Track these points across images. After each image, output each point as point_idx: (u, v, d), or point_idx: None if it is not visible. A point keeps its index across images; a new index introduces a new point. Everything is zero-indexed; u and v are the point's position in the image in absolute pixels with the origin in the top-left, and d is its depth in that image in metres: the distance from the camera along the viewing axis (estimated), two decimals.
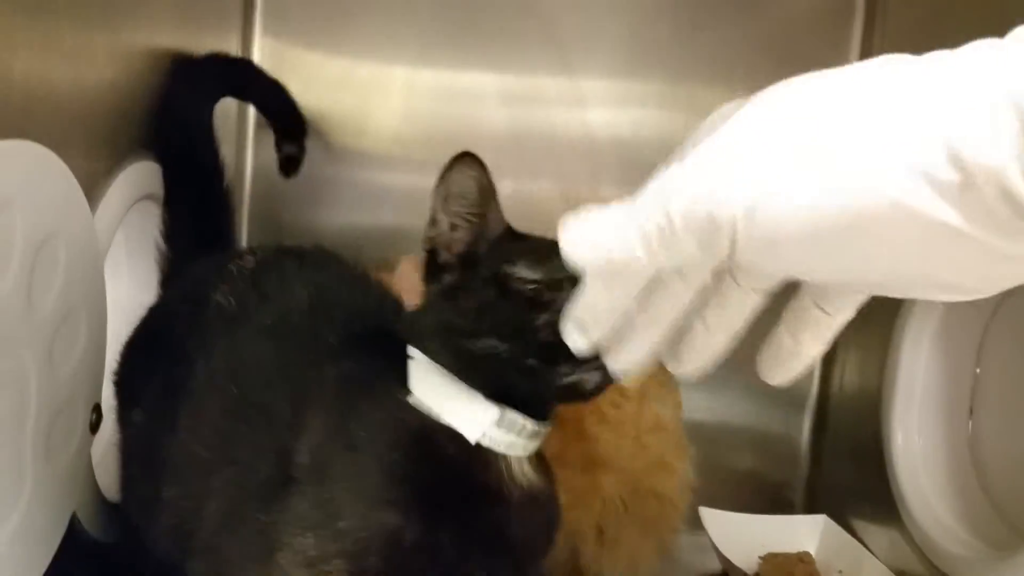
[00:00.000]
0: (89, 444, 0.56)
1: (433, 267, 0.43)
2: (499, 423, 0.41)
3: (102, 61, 0.58)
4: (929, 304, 0.70)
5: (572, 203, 0.88)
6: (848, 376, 0.85)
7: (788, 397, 0.88)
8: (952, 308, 0.69)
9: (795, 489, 0.89)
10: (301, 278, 0.51)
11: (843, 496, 0.82)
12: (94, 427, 0.56)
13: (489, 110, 0.88)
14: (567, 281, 0.37)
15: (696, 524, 0.76)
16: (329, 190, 0.87)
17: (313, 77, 0.86)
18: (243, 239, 0.87)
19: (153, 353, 0.54)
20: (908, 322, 0.71)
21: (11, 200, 0.43)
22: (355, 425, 0.42)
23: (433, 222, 0.43)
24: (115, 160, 0.60)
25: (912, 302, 0.71)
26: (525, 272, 0.40)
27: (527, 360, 0.38)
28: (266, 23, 0.86)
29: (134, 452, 0.54)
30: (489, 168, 0.87)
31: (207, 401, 0.48)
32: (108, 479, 0.59)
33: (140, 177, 0.63)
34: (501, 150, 0.87)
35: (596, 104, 0.88)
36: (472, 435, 0.41)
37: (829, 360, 0.87)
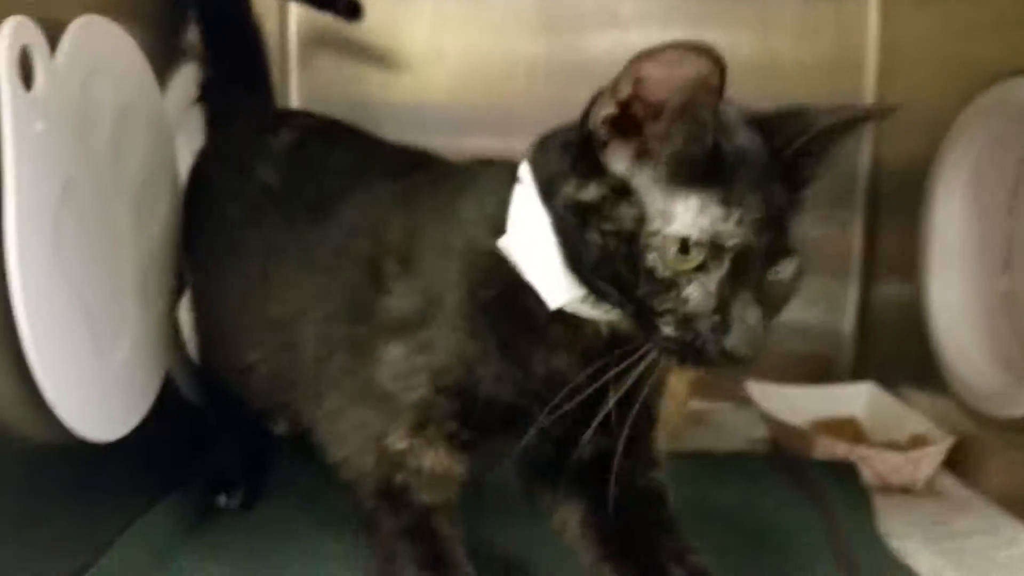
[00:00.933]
0: (176, 305, 0.63)
1: (619, 125, 0.37)
2: (582, 300, 0.40)
3: None
4: (961, 153, 0.70)
5: None
6: (888, 245, 0.86)
7: (832, 269, 0.89)
8: (984, 157, 0.70)
9: (841, 361, 0.91)
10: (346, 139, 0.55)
11: (888, 364, 0.84)
12: (178, 292, 0.63)
13: (524, 39, 0.88)
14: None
15: (743, 400, 0.79)
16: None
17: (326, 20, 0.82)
18: None
19: (208, 218, 0.59)
20: (940, 172, 0.72)
21: (97, 69, 0.50)
22: (440, 257, 0.42)
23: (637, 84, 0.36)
24: (181, 54, 0.66)
25: (945, 151, 0.71)
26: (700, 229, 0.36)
27: (637, 294, 0.37)
28: None
29: (208, 317, 0.60)
30: (527, 100, 0.87)
31: (281, 260, 0.51)
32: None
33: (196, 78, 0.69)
34: (537, 80, 0.88)
35: (634, 23, 0.88)
36: (552, 303, 0.40)
37: (871, 229, 0.88)
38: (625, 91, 0.37)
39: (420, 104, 0.88)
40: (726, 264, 0.36)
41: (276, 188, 0.53)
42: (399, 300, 0.43)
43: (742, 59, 0.84)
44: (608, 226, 0.37)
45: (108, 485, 0.53)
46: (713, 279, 0.37)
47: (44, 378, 0.44)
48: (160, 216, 0.60)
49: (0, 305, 0.42)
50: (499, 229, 0.41)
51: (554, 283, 0.40)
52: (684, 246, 0.36)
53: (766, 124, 0.38)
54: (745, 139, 0.38)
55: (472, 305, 0.42)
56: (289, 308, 0.48)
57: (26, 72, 0.43)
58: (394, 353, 0.42)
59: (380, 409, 0.43)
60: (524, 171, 0.41)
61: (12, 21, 0.41)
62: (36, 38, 0.43)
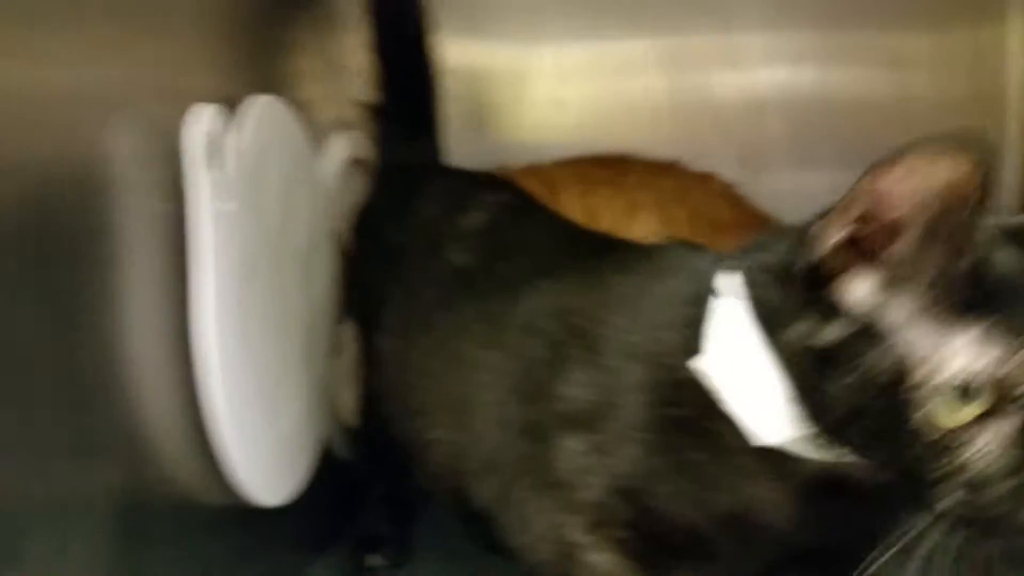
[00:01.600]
0: (336, 365, 0.64)
1: (853, 250, 0.32)
2: (805, 440, 0.34)
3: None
4: None
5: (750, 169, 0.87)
6: None
7: None
8: None
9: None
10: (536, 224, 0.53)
11: None
12: (337, 351, 0.65)
13: (646, 80, 0.87)
14: None
15: None
16: None
17: (450, 67, 0.82)
18: None
19: (389, 288, 0.57)
20: None
21: (269, 146, 0.53)
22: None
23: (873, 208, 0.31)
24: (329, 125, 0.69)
25: None
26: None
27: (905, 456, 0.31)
28: None
29: (381, 381, 0.57)
30: (652, 141, 0.86)
31: (467, 339, 0.48)
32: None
33: (350, 143, 0.72)
34: (662, 123, 0.86)
35: (755, 62, 0.86)
36: (763, 441, 0.35)
37: None
38: (858, 210, 0.31)
39: (544, 148, 0.84)
40: (1021, 409, 0.30)
41: (466, 269, 0.52)
42: (576, 389, 0.41)
43: (874, 99, 0.82)
44: (854, 378, 0.31)
45: (270, 546, 0.55)
46: (1005, 430, 0.30)
47: (228, 447, 0.46)
48: (322, 282, 0.62)
49: (186, 377, 0.44)
50: (691, 340, 0.37)
51: (767, 419, 0.34)
52: (963, 393, 0.30)
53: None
54: (1010, 253, 0.32)
55: (652, 419, 0.38)
56: (471, 387, 0.48)
57: (214, 154, 0.45)
58: (570, 447, 0.40)
59: (560, 499, 0.41)
60: (725, 283, 0.36)
61: (206, 109, 0.44)
62: (224, 122, 0.46)
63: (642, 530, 0.39)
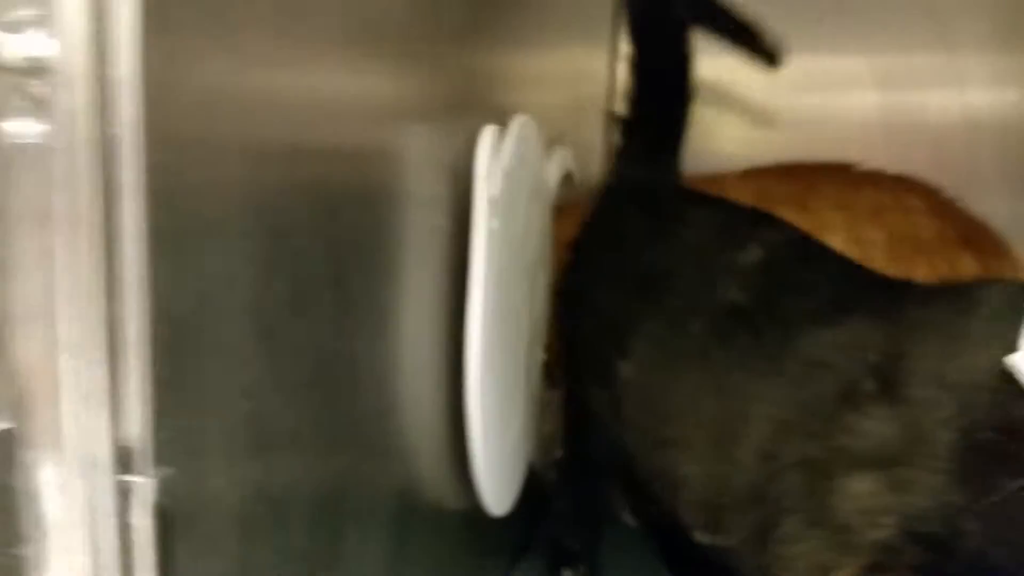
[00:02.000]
0: (541, 384, 0.66)
1: None
2: None
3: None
4: None
5: (963, 194, 0.82)
6: None
7: None
8: None
9: None
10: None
11: None
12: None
13: (858, 97, 0.84)
14: None
15: None
16: None
17: None
18: None
19: (633, 305, 0.56)
20: None
21: (522, 161, 0.54)
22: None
23: None
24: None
25: None
26: None
27: None
28: None
29: (615, 409, 0.56)
30: (863, 160, 0.84)
31: (739, 375, 0.47)
32: None
33: (566, 157, 0.73)
34: (873, 140, 0.83)
35: (977, 83, 0.82)
36: None
37: None
38: None
39: (752, 162, 0.83)
40: None
41: (741, 306, 0.50)
42: (874, 425, 0.40)
43: None
44: None
45: (485, 552, 0.57)
46: None
47: (478, 455, 0.47)
48: (540, 297, 0.63)
49: (449, 386, 0.46)
50: (1008, 368, 0.37)
51: None
52: None
53: None
54: None
55: (965, 447, 0.38)
56: (739, 422, 0.47)
57: (491, 172, 0.46)
58: (860, 487, 0.39)
59: (833, 540, 0.40)
60: None
61: (493, 129, 0.45)
62: (497, 142, 0.47)
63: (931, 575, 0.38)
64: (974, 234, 0.70)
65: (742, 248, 0.53)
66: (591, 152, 0.85)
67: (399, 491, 0.41)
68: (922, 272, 0.66)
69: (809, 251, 0.53)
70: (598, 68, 0.85)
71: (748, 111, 0.87)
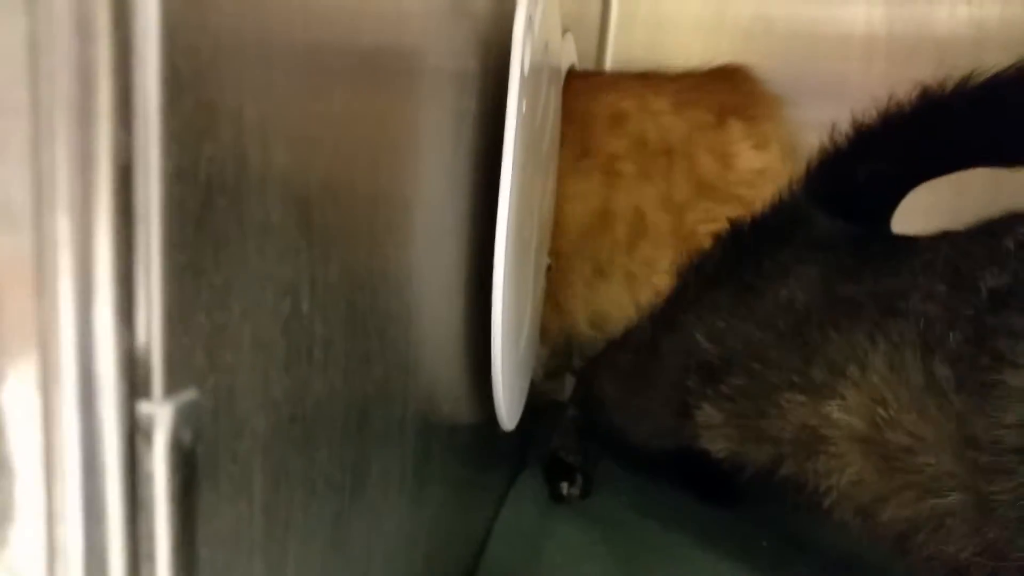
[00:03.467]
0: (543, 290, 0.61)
1: None
2: None
3: None
4: None
5: None
6: None
7: None
8: None
9: None
10: None
11: None
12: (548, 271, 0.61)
13: (862, 7, 0.80)
14: None
15: None
16: None
17: None
18: None
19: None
20: None
21: (547, 42, 0.47)
22: None
23: None
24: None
25: None
26: None
27: None
28: None
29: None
30: (864, 75, 0.76)
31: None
32: None
33: (572, 46, 0.66)
34: (876, 56, 0.79)
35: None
36: None
37: None
38: None
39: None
40: None
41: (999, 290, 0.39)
42: None
43: None
44: None
45: (495, 461, 0.54)
46: None
47: (497, 368, 0.42)
48: (549, 194, 0.57)
49: (474, 295, 0.41)
50: None
51: None
52: None
53: None
54: None
55: None
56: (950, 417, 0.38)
57: (524, 48, 0.40)
58: None
59: None
60: None
61: None
62: (534, 10, 0.40)
63: None
64: (742, 105, 0.66)
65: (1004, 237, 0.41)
66: (587, 51, 0.80)
67: (422, 409, 0.36)
68: (666, 172, 0.63)
69: None
70: None
71: (743, 18, 0.81)
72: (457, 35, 0.35)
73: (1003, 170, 0.43)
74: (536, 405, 0.75)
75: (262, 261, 0.18)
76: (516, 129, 0.39)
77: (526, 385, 0.54)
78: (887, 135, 0.46)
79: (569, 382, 0.91)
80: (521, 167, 0.42)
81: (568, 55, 0.64)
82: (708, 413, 0.47)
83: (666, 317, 0.53)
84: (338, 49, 0.23)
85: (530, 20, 0.39)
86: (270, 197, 0.18)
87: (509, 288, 0.42)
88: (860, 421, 0.40)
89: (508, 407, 0.46)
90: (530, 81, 0.42)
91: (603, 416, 0.60)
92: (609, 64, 0.88)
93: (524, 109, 0.41)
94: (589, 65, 0.84)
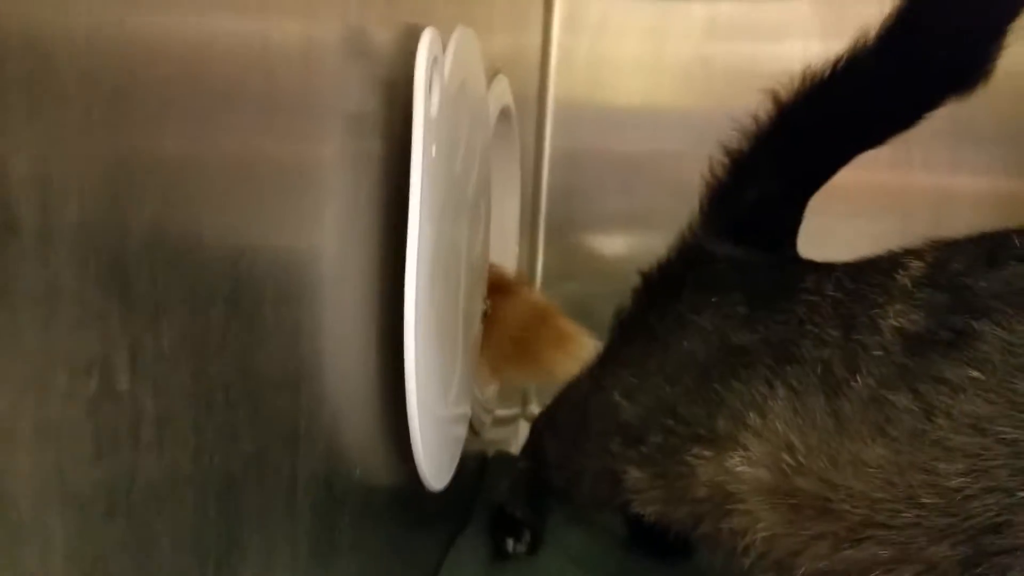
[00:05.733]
0: (479, 340, 0.58)
1: None
2: None
3: None
4: None
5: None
6: None
7: None
8: None
9: None
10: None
11: None
12: (483, 317, 0.58)
13: (799, 43, 0.81)
14: None
15: None
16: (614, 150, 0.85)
17: (599, 21, 0.83)
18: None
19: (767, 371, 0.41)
20: None
21: (464, 84, 0.45)
22: None
23: None
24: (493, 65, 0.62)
25: None
26: None
27: None
28: None
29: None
30: None
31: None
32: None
33: (505, 89, 0.64)
34: None
35: None
36: None
37: None
38: None
39: (686, 111, 0.83)
40: None
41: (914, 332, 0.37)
42: None
43: None
44: None
45: (425, 524, 0.50)
46: None
47: (415, 423, 0.40)
48: (482, 236, 0.55)
49: (384, 348, 0.38)
50: None
51: None
52: None
53: None
54: None
55: None
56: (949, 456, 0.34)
57: (429, 89, 0.38)
58: None
59: None
60: None
61: (429, 32, 0.36)
62: (439, 50, 0.39)
63: None
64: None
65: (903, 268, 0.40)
66: (527, 105, 0.80)
67: (320, 477, 0.33)
68: None
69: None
70: (534, 15, 0.79)
71: (683, 58, 0.82)
72: (352, 75, 0.33)
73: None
74: (483, 456, 0.72)
75: (44, 334, 0.15)
76: (422, 173, 0.37)
77: (459, 439, 0.51)
78: (757, 152, 0.46)
79: (524, 429, 0.88)
80: (436, 212, 0.40)
81: (500, 97, 0.63)
82: (634, 477, 0.45)
83: (592, 375, 0.51)
84: (187, 85, 0.20)
85: (435, 61, 0.37)
86: (56, 258, 0.15)
87: (427, 339, 0.39)
88: (766, 471, 0.38)
89: (433, 466, 0.43)
90: (442, 123, 0.40)
91: (549, 473, 0.58)
92: (551, 104, 0.88)
93: (434, 153, 0.39)
94: (531, 106, 0.83)
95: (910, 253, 0.40)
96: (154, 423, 0.19)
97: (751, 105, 0.80)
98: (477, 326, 0.57)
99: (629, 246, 0.91)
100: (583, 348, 0.61)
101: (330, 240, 0.32)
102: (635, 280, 0.54)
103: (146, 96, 0.19)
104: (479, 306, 0.58)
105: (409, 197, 0.36)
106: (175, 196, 0.20)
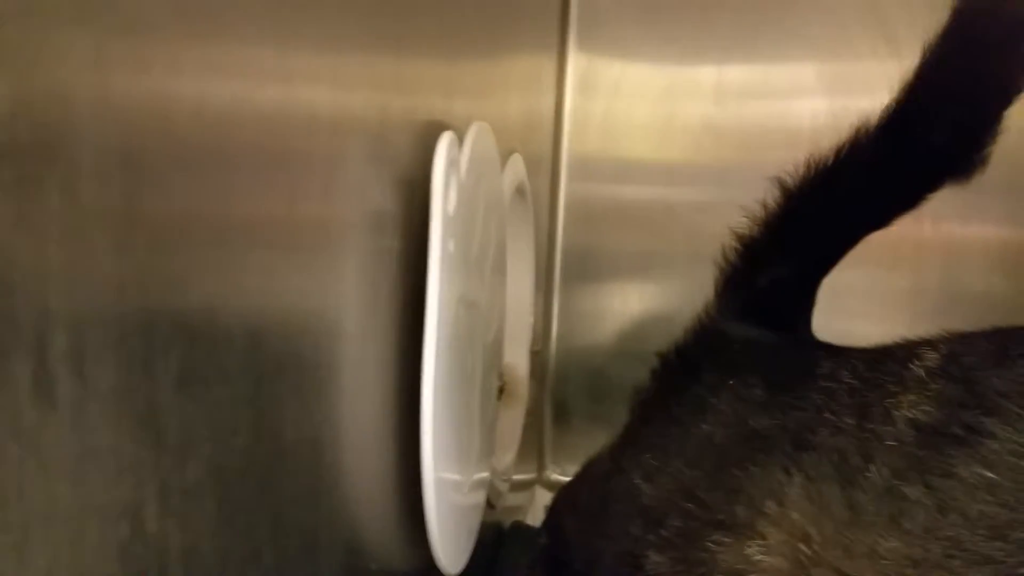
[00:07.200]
0: (497, 415, 0.59)
1: None
2: None
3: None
4: None
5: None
6: None
7: None
8: None
9: None
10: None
11: None
12: (499, 393, 0.59)
13: (806, 102, 0.83)
14: None
15: None
16: (628, 209, 0.87)
17: (613, 84, 0.85)
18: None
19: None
20: None
21: (481, 177, 0.47)
22: None
23: None
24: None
25: None
26: None
27: None
28: (580, 35, 0.87)
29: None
30: None
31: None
32: None
33: (521, 167, 0.66)
34: (822, 145, 0.83)
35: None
36: None
37: None
38: None
39: (697, 171, 0.85)
40: None
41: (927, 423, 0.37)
42: None
43: None
44: None
45: None
46: None
47: (432, 511, 0.40)
48: (498, 315, 0.56)
49: (400, 436, 0.39)
50: None
51: None
52: None
53: None
54: None
55: None
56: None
57: (447, 185, 0.39)
58: None
59: None
60: None
61: (446, 137, 0.38)
62: (456, 152, 0.40)
63: None
64: None
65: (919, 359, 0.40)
66: (541, 165, 0.82)
67: (338, 565, 0.34)
68: None
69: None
70: (547, 79, 0.81)
71: (694, 119, 0.84)
72: (372, 176, 0.35)
73: None
74: (500, 528, 0.72)
75: (79, 490, 0.16)
76: (440, 267, 0.38)
77: (476, 520, 0.52)
78: (766, 238, 0.48)
79: (540, 496, 0.87)
80: (453, 300, 0.41)
81: (515, 175, 0.64)
82: (655, 561, 0.44)
83: (613, 455, 0.52)
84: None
85: (451, 163, 0.38)
86: (91, 421, 0.16)
87: (443, 420, 0.40)
88: (783, 560, 0.38)
89: (450, 552, 0.44)
90: (458, 218, 0.41)
91: (570, 554, 0.58)
92: (564, 168, 0.90)
93: (452, 248, 0.40)
94: (545, 172, 0.85)
95: (925, 344, 0.40)
96: (179, 555, 0.20)
97: (761, 163, 0.81)
98: (494, 402, 0.58)
99: (641, 301, 0.92)
100: None
101: (351, 347, 0.33)
102: (649, 344, 0.54)
103: (175, 254, 0.20)
104: (495, 382, 0.58)
105: (427, 289, 0.37)
106: (201, 335, 0.21)
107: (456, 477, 0.45)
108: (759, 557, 0.38)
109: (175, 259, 0.20)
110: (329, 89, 0.31)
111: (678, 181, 0.87)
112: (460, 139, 0.42)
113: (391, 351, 0.38)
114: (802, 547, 0.37)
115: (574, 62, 0.86)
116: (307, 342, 0.29)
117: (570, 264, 0.90)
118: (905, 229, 0.83)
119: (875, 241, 0.80)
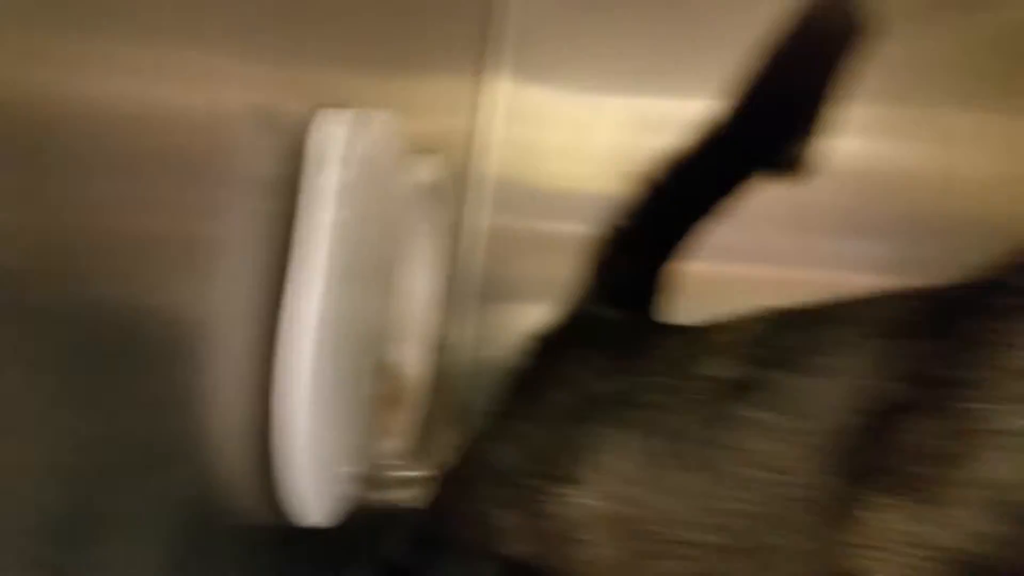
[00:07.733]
0: (382, 406, 0.62)
1: None
2: None
3: None
4: None
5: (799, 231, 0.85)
6: None
7: None
8: None
9: None
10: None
11: None
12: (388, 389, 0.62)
13: None
14: None
15: None
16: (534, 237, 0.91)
17: (531, 110, 0.89)
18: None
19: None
20: None
21: (385, 158, 0.51)
22: None
23: None
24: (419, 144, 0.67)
25: None
26: None
27: None
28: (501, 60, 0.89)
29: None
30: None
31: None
32: None
33: (435, 167, 0.70)
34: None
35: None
36: None
37: None
38: None
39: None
40: None
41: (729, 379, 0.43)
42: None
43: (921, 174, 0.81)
44: None
45: (303, 561, 0.53)
46: None
47: (299, 465, 0.43)
48: (384, 304, 0.60)
49: (264, 386, 0.42)
50: None
51: None
52: None
53: None
54: None
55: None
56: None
57: (345, 157, 0.43)
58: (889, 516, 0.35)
59: None
60: None
61: (331, 111, 0.42)
62: (339, 128, 0.44)
63: None
64: None
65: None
66: (456, 172, 0.84)
67: (201, 502, 0.36)
68: None
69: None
70: (462, 99, 0.83)
71: (609, 148, 0.88)
72: (261, 144, 0.38)
73: None
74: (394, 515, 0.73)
75: None
76: (327, 229, 0.41)
77: (348, 485, 0.54)
78: (627, 228, 0.56)
79: None
80: (323, 276, 0.44)
81: (427, 174, 0.68)
82: (498, 516, 0.49)
83: (485, 426, 0.56)
84: None
85: (329, 135, 0.42)
86: None
87: (309, 382, 0.43)
88: (612, 503, 0.43)
89: (319, 505, 0.47)
90: (349, 193, 0.45)
91: (442, 527, 0.60)
92: (476, 184, 0.92)
93: (347, 215, 0.44)
94: (459, 185, 0.88)
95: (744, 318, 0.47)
96: None
97: None
98: (373, 383, 0.60)
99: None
100: None
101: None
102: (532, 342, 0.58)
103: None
104: (371, 364, 0.61)
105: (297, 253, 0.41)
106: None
107: (330, 438, 0.48)
108: (591, 503, 0.43)
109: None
110: (209, 89, 0.34)
111: (590, 206, 0.90)
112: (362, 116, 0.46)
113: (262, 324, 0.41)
114: (628, 491, 0.42)
115: (494, 86, 0.89)
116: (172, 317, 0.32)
117: (479, 277, 0.92)
118: (795, 273, 0.86)
119: (765, 282, 0.82)
